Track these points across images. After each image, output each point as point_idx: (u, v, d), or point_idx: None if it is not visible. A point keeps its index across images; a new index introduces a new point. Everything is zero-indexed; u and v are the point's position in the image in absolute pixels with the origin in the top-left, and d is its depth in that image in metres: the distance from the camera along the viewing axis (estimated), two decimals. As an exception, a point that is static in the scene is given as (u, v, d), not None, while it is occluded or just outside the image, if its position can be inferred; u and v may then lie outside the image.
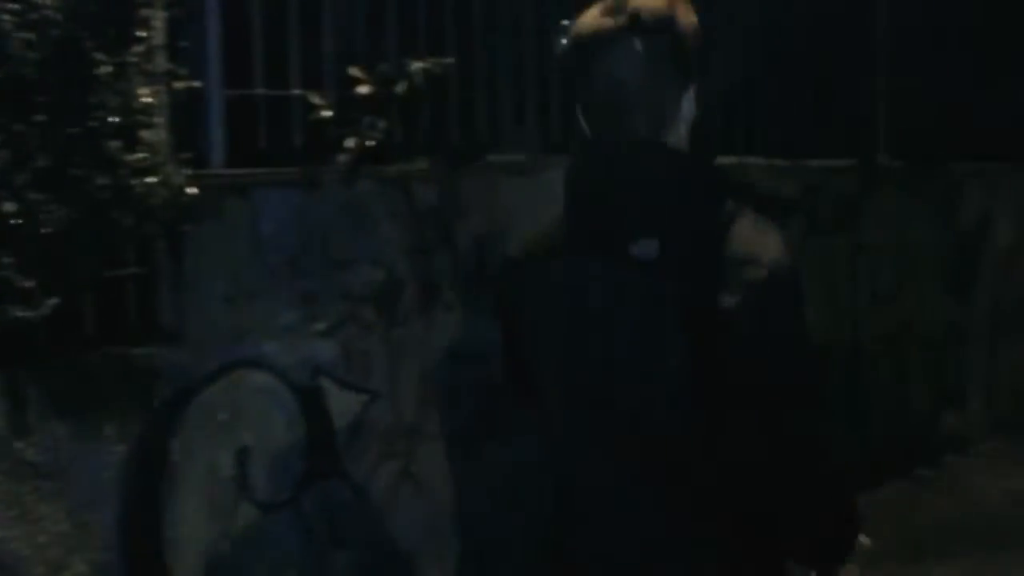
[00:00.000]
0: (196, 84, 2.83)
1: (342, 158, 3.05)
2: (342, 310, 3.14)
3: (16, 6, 2.35)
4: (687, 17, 1.47)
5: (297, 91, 3.08)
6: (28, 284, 2.40)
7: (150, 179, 2.66)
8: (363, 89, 3.03)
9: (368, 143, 3.04)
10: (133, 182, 2.60)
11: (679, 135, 1.46)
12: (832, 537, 1.43)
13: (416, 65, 3.09)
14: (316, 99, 3.04)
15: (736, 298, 1.33)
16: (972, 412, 5.63)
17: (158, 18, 2.67)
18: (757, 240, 1.38)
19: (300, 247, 3.06)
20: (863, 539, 1.48)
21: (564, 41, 1.50)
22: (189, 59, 2.85)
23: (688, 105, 1.48)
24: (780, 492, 1.36)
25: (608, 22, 1.43)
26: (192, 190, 2.75)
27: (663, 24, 1.44)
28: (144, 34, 2.61)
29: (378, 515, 3.28)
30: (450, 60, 3.11)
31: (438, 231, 3.32)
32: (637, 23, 1.42)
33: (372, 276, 3.19)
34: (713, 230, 1.38)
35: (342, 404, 3.18)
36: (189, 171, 2.76)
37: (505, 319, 1.63)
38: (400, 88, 3.08)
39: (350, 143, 3.01)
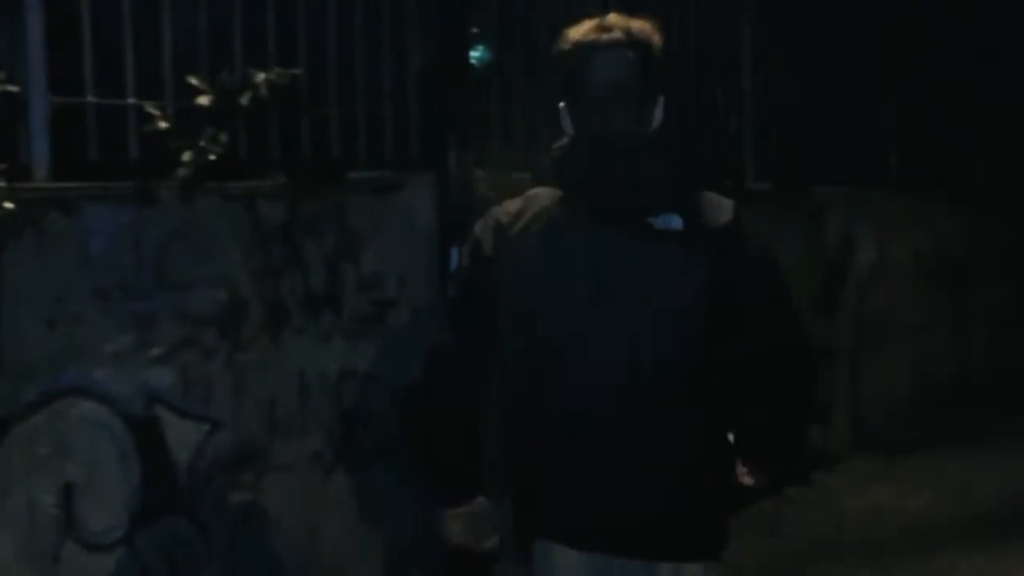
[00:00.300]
0: (14, 89, 2.61)
1: (181, 173, 2.87)
2: (180, 334, 2.94)
3: None
4: (659, 39, 1.80)
5: (132, 100, 2.88)
6: None
7: (-41, 192, 2.44)
8: (203, 100, 2.86)
9: (209, 157, 2.86)
10: (-61, 194, 2.37)
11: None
12: (794, 451, 1.79)
13: (261, 75, 2.92)
14: (152, 109, 2.85)
15: (744, 262, 1.69)
16: (837, 428, 5.74)
17: (-34, 15, 2.45)
18: (744, 220, 1.74)
19: (134, 267, 2.85)
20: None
21: (559, 48, 1.79)
22: (6, 61, 2.64)
23: (658, 113, 1.79)
24: (773, 405, 1.69)
25: (605, 35, 1.75)
26: (9, 204, 2.53)
27: (646, 40, 1.77)
28: (-51, 32, 2.39)
29: (223, 553, 3.08)
30: (297, 71, 2.96)
31: (286, 251, 3.15)
32: (630, 36, 1.75)
33: (213, 298, 3.00)
34: (716, 211, 1.71)
35: (181, 434, 2.98)
36: (4, 183, 2.54)
37: (483, 285, 1.75)
38: (244, 99, 2.91)
39: (189, 157, 2.83)
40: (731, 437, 1.76)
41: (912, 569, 4.19)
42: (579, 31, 1.78)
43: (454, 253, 3.45)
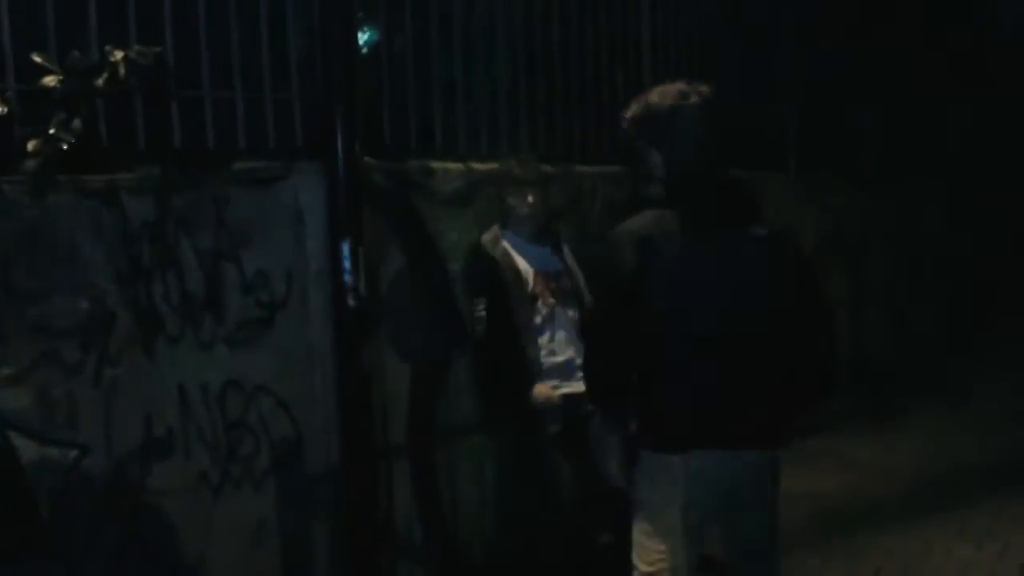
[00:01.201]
0: None
1: (28, 164, 2.51)
2: (36, 350, 2.62)
3: None
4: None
5: (-34, 81, 2.53)
6: None
7: None
8: (50, 80, 2.50)
9: (61, 147, 2.51)
10: None
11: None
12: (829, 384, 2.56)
13: (119, 54, 2.58)
14: (-10, 92, 2.49)
15: (798, 253, 2.54)
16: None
17: None
18: (789, 229, 2.64)
19: (-26, 274, 2.51)
20: None
21: (653, 106, 2.44)
22: None
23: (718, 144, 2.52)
24: (814, 357, 2.50)
25: (690, 99, 2.42)
26: None
27: (711, 96, 2.46)
28: None
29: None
30: (158, 49, 2.63)
31: (157, 251, 2.84)
32: (702, 96, 2.44)
33: (73, 307, 2.69)
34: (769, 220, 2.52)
35: (43, 463, 2.66)
36: None
37: (632, 282, 2.37)
38: (100, 81, 2.57)
39: (36, 146, 2.47)
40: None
41: (828, 552, 4.12)
42: (667, 95, 2.42)
43: (345, 247, 3.19)
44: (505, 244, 3.47)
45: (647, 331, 2.39)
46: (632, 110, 2.49)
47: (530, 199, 3.51)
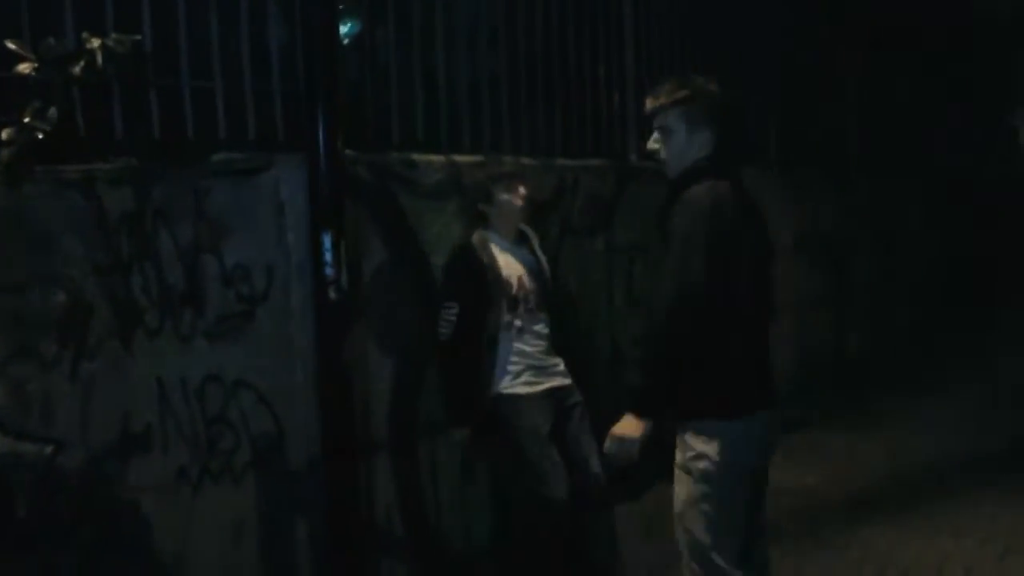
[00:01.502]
0: None
1: (3, 154, 2.46)
2: (11, 343, 2.57)
3: None
4: None
5: (-62, 68, 2.47)
6: None
7: None
8: (25, 68, 2.45)
9: (37, 136, 2.46)
10: None
11: None
12: None
13: (96, 41, 2.53)
14: (-38, 79, 2.44)
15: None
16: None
17: None
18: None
19: (-51, 266, 2.45)
20: None
21: (711, 93, 2.75)
22: None
23: None
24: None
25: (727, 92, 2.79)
26: None
27: None
28: None
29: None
30: (136, 37, 2.58)
31: (136, 243, 2.79)
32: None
33: (50, 300, 2.63)
34: None
35: (18, 459, 2.61)
36: None
37: (721, 245, 2.50)
38: (77, 69, 2.51)
39: (10, 135, 2.42)
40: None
41: (809, 545, 4.12)
42: (713, 83, 2.72)
43: (327, 240, 3.15)
44: (493, 248, 3.41)
45: (732, 294, 2.53)
46: (675, 94, 2.68)
47: (521, 190, 3.47)
